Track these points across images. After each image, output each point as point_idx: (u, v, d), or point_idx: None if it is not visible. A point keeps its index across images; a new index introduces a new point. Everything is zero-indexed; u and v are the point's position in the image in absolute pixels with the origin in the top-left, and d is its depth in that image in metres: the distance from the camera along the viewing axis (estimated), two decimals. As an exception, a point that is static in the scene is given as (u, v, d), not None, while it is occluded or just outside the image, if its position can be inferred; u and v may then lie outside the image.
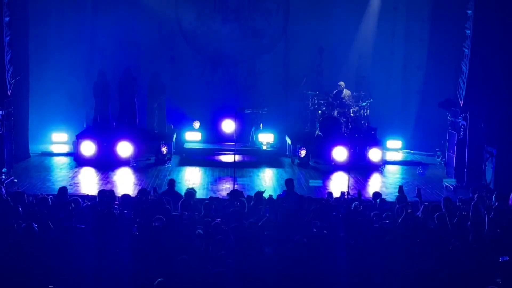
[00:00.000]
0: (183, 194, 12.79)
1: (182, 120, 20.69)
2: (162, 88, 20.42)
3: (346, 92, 20.16)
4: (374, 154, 18.83)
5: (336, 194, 13.64)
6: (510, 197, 12.48)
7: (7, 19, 16.29)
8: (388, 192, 15.50)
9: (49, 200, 11.67)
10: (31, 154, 19.15)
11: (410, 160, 20.37)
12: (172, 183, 13.58)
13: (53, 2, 21.02)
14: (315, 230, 10.08)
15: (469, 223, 10.71)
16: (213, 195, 14.42)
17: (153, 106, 20.11)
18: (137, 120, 19.92)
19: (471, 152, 16.54)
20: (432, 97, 19.73)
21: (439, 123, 19.24)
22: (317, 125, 20.29)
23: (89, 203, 11.72)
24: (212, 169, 18.13)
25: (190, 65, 21.91)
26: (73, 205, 11.04)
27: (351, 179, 15.88)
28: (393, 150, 21.16)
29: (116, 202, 11.93)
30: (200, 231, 9.96)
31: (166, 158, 18.98)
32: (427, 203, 12.02)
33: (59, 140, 20.96)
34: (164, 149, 18.96)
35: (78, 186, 15.93)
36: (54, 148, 20.43)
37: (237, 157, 18.12)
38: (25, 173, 17.06)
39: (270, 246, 9.76)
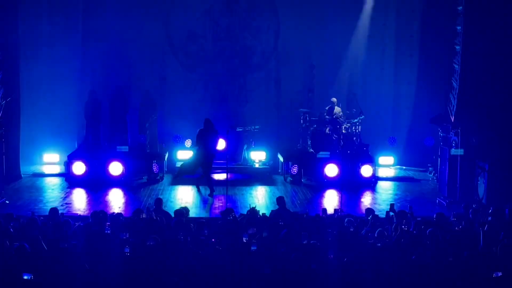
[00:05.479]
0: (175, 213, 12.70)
1: (174, 139, 20.67)
2: (153, 107, 20.45)
3: (337, 109, 20.19)
4: (366, 171, 18.82)
5: (330, 210, 13.60)
6: (506, 212, 12.46)
7: (-3, 39, 16.34)
8: (381, 209, 15.47)
9: (38, 221, 11.58)
10: (22, 175, 19.06)
11: (402, 176, 20.40)
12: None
13: (43, 23, 21.00)
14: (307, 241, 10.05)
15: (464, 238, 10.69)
16: (206, 214, 14.32)
17: (145, 125, 20.09)
18: (129, 140, 19.90)
19: (463, 167, 16.55)
20: (423, 113, 19.76)
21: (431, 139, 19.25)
22: (309, 142, 20.31)
23: (81, 224, 11.64)
24: (205, 187, 18.07)
25: (181, 83, 21.93)
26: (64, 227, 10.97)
27: (343, 195, 15.86)
28: (385, 166, 21.21)
29: (108, 223, 11.84)
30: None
31: (158, 177, 18.92)
32: (419, 219, 12.01)
33: (50, 161, 20.90)
34: (156, 168, 18.90)
35: (70, 207, 15.83)
36: (46, 169, 20.35)
37: (229, 175, 18.05)
38: (17, 194, 16.96)
39: (264, 263, 9.70)
